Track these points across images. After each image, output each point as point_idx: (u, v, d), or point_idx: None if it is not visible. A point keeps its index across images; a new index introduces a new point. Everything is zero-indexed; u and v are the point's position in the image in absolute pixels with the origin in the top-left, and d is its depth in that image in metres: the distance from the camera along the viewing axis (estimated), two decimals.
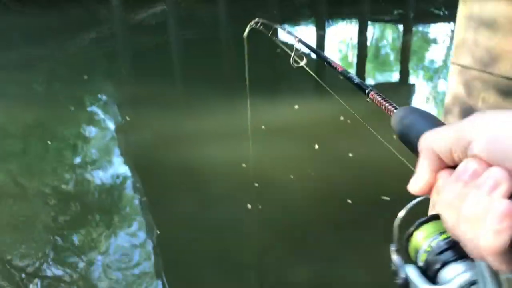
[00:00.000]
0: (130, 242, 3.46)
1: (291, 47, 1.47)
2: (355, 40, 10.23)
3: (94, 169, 4.59)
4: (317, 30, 11.20)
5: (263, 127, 5.23)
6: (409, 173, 0.48)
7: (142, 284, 3.05)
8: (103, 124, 5.84)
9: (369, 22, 11.34)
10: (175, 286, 3.03)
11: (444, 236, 0.52)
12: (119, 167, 4.61)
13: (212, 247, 3.33)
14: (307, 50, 1.35)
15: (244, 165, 4.36)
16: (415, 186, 0.48)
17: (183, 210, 3.77)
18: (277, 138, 4.94)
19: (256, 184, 4.04)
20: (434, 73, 7.62)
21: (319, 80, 1.36)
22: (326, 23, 11.75)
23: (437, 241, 0.52)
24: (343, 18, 12.31)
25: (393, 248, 0.56)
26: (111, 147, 5.18)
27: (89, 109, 6.45)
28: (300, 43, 1.31)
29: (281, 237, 3.43)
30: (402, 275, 0.53)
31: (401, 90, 6.99)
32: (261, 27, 1.63)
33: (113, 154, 4.96)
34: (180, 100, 6.67)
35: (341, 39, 10.75)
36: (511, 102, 1.13)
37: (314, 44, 9.53)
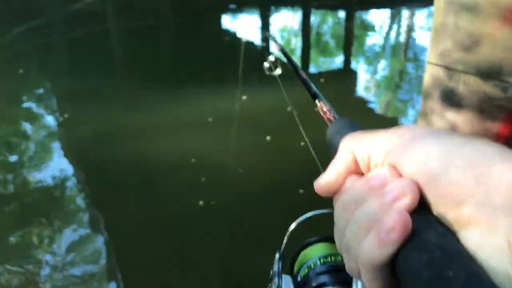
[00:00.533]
0: (75, 241, 3.35)
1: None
2: (298, 27, 10.30)
3: (32, 168, 4.40)
4: (261, 17, 11.19)
5: (209, 119, 5.19)
6: None
7: (91, 284, 2.97)
8: (41, 120, 5.58)
9: (312, 9, 11.45)
10: (126, 286, 2.96)
11: (332, 258, 0.51)
12: (60, 165, 4.43)
13: (164, 245, 3.29)
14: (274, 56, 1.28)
15: (193, 159, 4.31)
16: (322, 184, 0.45)
17: (131, 208, 3.70)
18: (226, 130, 4.91)
19: (205, 179, 4.02)
20: (375, 59, 7.80)
21: (283, 91, 1.30)
22: (270, 11, 11.75)
23: (323, 261, 0.51)
24: (286, 5, 12.34)
25: (277, 255, 0.55)
26: (50, 144, 4.96)
27: (25, 105, 6.13)
28: (275, 46, 1.25)
29: (235, 230, 3.43)
30: (277, 282, 0.52)
31: (345, 77, 7.12)
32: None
33: (52, 152, 4.76)
34: (121, 93, 6.47)
35: (284, 26, 10.80)
36: (491, 85, 1.17)
37: (259, 32, 9.53)
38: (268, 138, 4.69)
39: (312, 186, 0.45)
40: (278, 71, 1.24)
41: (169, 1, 9.49)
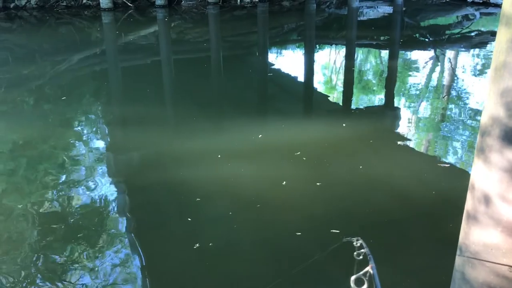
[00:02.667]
0: (115, 263, 3.49)
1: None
2: (342, 64, 10.44)
3: (81, 189, 4.63)
4: (305, 54, 11.41)
5: (249, 150, 5.34)
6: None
7: None
8: (91, 144, 5.89)
9: (356, 47, 11.60)
10: None
11: None
12: (106, 187, 4.66)
13: (203, 273, 3.35)
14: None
15: (236, 186, 4.43)
16: None
17: (171, 233, 3.80)
18: (266, 162, 5.03)
19: (245, 207, 4.10)
20: (417, 97, 7.81)
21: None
22: (314, 48, 11.98)
23: None
24: (330, 44, 12.56)
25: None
26: (98, 167, 5.22)
27: (77, 128, 6.49)
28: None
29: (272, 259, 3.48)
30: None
31: (386, 114, 7.15)
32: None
33: (100, 174, 4.99)
34: (168, 121, 6.77)
35: (328, 63, 10.96)
36: None
37: (302, 68, 9.72)
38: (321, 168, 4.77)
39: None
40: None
41: (218, 36, 9.88)
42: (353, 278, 1.41)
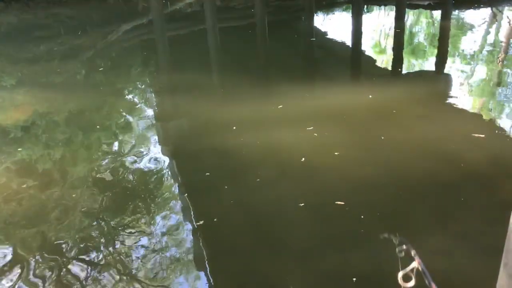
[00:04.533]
0: (168, 226, 3.59)
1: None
2: (392, 27, 10.09)
3: (134, 156, 4.78)
4: (353, 17, 11.09)
5: (296, 116, 5.32)
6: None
7: (182, 268, 3.15)
8: (142, 112, 6.05)
9: (406, 9, 11.15)
10: (217, 274, 3.08)
11: None
12: (158, 154, 4.79)
13: (252, 234, 3.40)
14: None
15: (283, 151, 4.45)
16: None
17: (221, 198, 3.87)
18: (312, 128, 5.01)
19: (292, 171, 4.13)
20: (472, 60, 7.46)
21: None
22: (362, 10, 11.61)
23: None
24: (379, 5, 12.12)
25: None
26: (150, 134, 5.37)
27: (128, 97, 6.67)
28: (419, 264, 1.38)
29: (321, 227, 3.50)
30: None
31: (438, 78, 6.91)
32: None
33: (150, 142, 5.14)
34: (215, 89, 6.82)
35: (377, 26, 10.62)
36: None
37: (350, 32, 9.47)
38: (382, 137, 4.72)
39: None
40: (411, 283, 1.34)
41: (263, 2, 9.75)
42: (400, 274, 1.40)
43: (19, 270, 3.19)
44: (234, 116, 5.40)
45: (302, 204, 3.65)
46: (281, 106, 5.62)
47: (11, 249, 3.41)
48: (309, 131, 4.89)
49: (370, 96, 5.83)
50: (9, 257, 3.32)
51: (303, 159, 4.30)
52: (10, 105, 6.26)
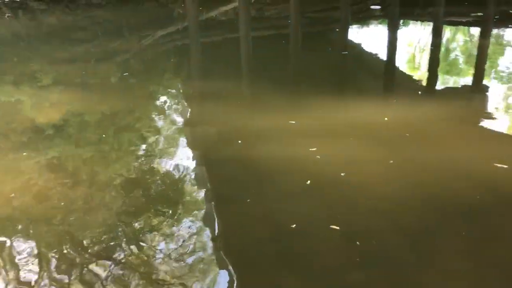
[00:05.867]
0: (191, 232, 3.59)
1: None
2: (427, 42, 9.93)
3: (161, 159, 4.81)
4: (389, 31, 10.97)
5: (323, 130, 5.27)
6: None
7: (201, 275, 3.14)
8: (171, 116, 6.11)
9: (444, 25, 10.96)
10: (237, 285, 3.06)
11: None
12: (185, 159, 4.81)
13: (278, 246, 3.36)
14: None
15: (311, 164, 4.40)
16: None
17: (245, 206, 3.85)
18: (338, 141, 4.95)
19: (315, 183, 4.07)
20: (509, 81, 7.25)
21: None
22: (398, 25, 11.48)
23: None
24: (416, 20, 11.97)
25: None
26: (178, 139, 5.41)
27: (159, 101, 6.75)
28: None
29: (349, 247, 3.44)
30: None
31: (475, 96, 6.74)
32: None
33: (179, 146, 5.18)
34: (245, 97, 6.83)
35: (412, 41, 10.47)
36: None
37: (384, 46, 9.37)
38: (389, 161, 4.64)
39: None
40: None
41: (298, 12, 9.76)
42: None
43: (43, 266, 3.24)
44: (262, 125, 5.38)
45: (328, 220, 3.59)
46: (309, 118, 5.58)
47: (36, 244, 3.47)
48: (337, 145, 4.83)
49: (402, 112, 5.72)
50: (33, 252, 3.38)
51: (330, 174, 4.23)
52: (46, 104, 6.42)
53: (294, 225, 3.55)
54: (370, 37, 10.86)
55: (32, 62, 8.61)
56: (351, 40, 10.40)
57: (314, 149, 4.72)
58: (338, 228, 3.49)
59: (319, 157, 4.56)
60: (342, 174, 4.23)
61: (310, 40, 10.16)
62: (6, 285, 3.08)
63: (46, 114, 5.95)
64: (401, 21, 11.76)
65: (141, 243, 3.46)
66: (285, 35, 10.22)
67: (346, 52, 9.32)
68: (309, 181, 4.13)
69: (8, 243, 3.49)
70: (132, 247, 3.42)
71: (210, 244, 3.46)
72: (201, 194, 4.18)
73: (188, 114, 6.20)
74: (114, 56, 9.06)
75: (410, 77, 7.91)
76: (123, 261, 3.27)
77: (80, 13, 13.25)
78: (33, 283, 3.08)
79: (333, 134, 5.09)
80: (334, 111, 5.84)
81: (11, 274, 3.18)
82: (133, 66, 8.54)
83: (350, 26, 11.47)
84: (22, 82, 7.21)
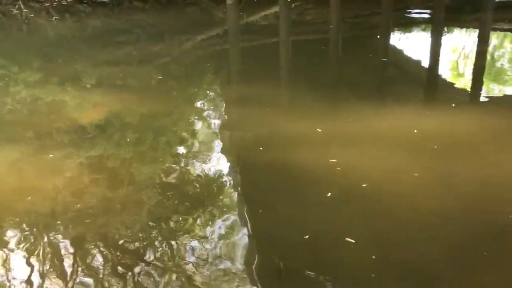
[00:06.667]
0: (223, 235, 3.60)
1: None
2: (472, 49, 9.63)
3: (198, 162, 4.85)
4: (432, 38, 10.72)
5: (362, 137, 5.17)
6: None
7: (233, 279, 3.13)
8: (209, 120, 6.15)
9: (491, 31, 10.62)
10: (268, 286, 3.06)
11: None
12: (220, 163, 4.83)
13: (310, 253, 3.34)
14: None
15: (347, 172, 4.33)
16: None
17: (278, 212, 3.83)
18: (378, 149, 4.85)
19: (360, 194, 4.00)
20: None
21: None
22: (442, 31, 11.19)
23: None
24: (461, 27, 11.64)
25: None
26: (215, 142, 5.44)
27: (197, 105, 6.81)
28: None
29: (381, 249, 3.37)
30: None
31: None
32: None
33: (216, 150, 5.20)
34: (283, 102, 6.81)
35: (457, 48, 10.18)
36: None
37: (427, 52, 9.15)
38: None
39: None
40: None
41: (338, 17, 9.67)
42: None
43: (78, 262, 3.32)
44: (299, 131, 5.34)
45: (361, 231, 3.52)
46: (348, 125, 5.49)
47: (73, 241, 3.56)
48: (375, 154, 4.72)
49: (444, 122, 5.55)
50: (70, 249, 3.47)
51: (366, 184, 4.15)
52: (88, 105, 6.59)
53: (326, 235, 3.51)
54: (412, 43, 10.63)
55: (76, 63, 8.87)
56: (392, 46, 10.21)
57: (350, 156, 4.64)
58: (363, 234, 3.42)
59: (355, 165, 4.48)
60: (378, 183, 4.14)
61: (350, 46, 10.04)
62: (43, 279, 3.17)
63: (88, 115, 6.10)
64: (445, 27, 11.45)
65: (174, 244, 3.49)
66: (325, 40, 10.13)
67: (386, 59, 9.15)
68: (341, 190, 4.07)
69: (47, 238, 3.59)
70: (165, 247, 3.46)
71: (242, 249, 3.44)
72: (236, 198, 4.18)
73: (226, 118, 6.23)
74: (155, 59, 9.22)
75: (453, 84, 7.69)
76: (155, 261, 3.31)
77: (123, 16, 13.58)
78: (68, 278, 3.16)
79: (371, 141, 4.99)
80: (374, 118, 5.73)
81: (48, 269, 3.27)
82: (173, 70, 8.66)
83: (392, 32, 11.27)
84: (66, 82, 7.42)
